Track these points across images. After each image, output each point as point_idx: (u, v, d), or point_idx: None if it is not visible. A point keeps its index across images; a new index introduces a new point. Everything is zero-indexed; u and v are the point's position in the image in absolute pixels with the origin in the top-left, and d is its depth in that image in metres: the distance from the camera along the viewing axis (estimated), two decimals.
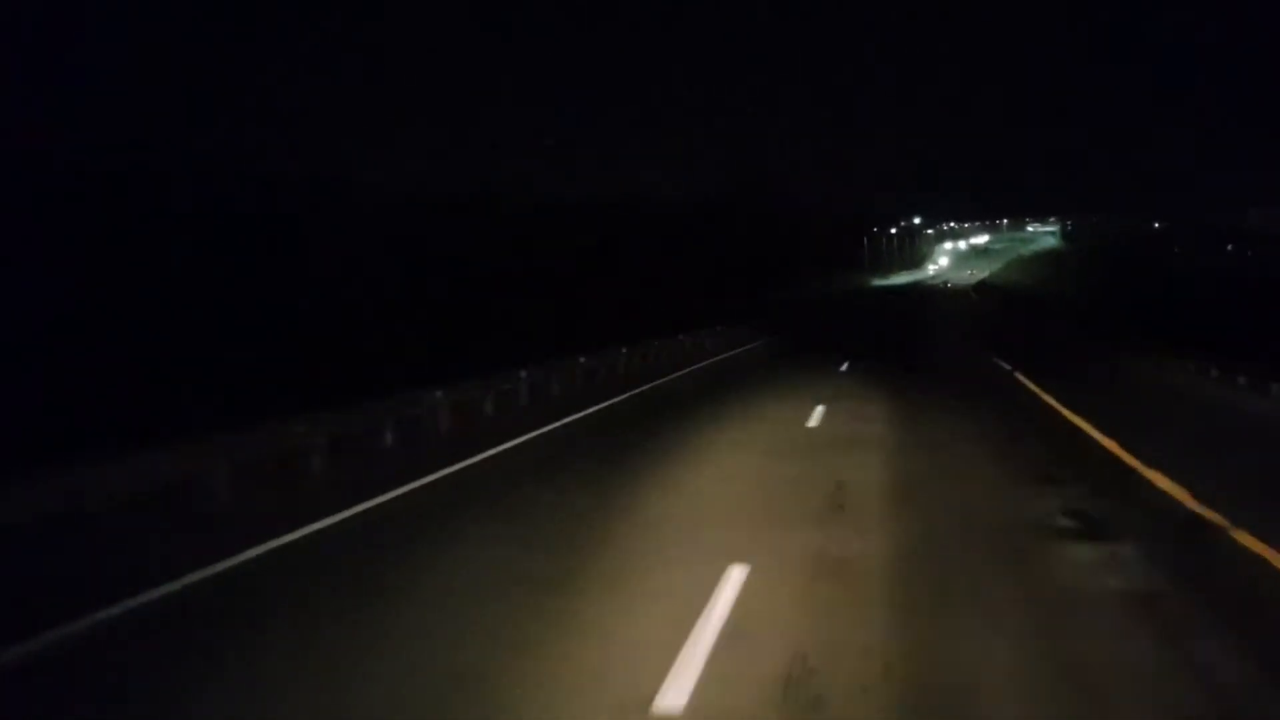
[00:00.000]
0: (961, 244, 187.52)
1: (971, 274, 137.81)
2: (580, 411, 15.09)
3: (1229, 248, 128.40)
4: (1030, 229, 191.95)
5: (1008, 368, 22.81)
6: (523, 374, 15.70)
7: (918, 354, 28.55)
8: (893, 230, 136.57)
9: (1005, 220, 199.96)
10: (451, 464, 10.39)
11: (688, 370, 23.71)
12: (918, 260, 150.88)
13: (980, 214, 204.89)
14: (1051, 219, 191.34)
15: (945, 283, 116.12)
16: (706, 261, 57.89)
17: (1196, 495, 8.24)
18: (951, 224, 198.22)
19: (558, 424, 13.71)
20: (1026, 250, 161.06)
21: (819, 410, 14.63)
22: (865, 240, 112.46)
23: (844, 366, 23.27)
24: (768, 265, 69.16)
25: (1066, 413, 14.33)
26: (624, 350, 21.98)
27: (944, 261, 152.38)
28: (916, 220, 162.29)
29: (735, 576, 6.03)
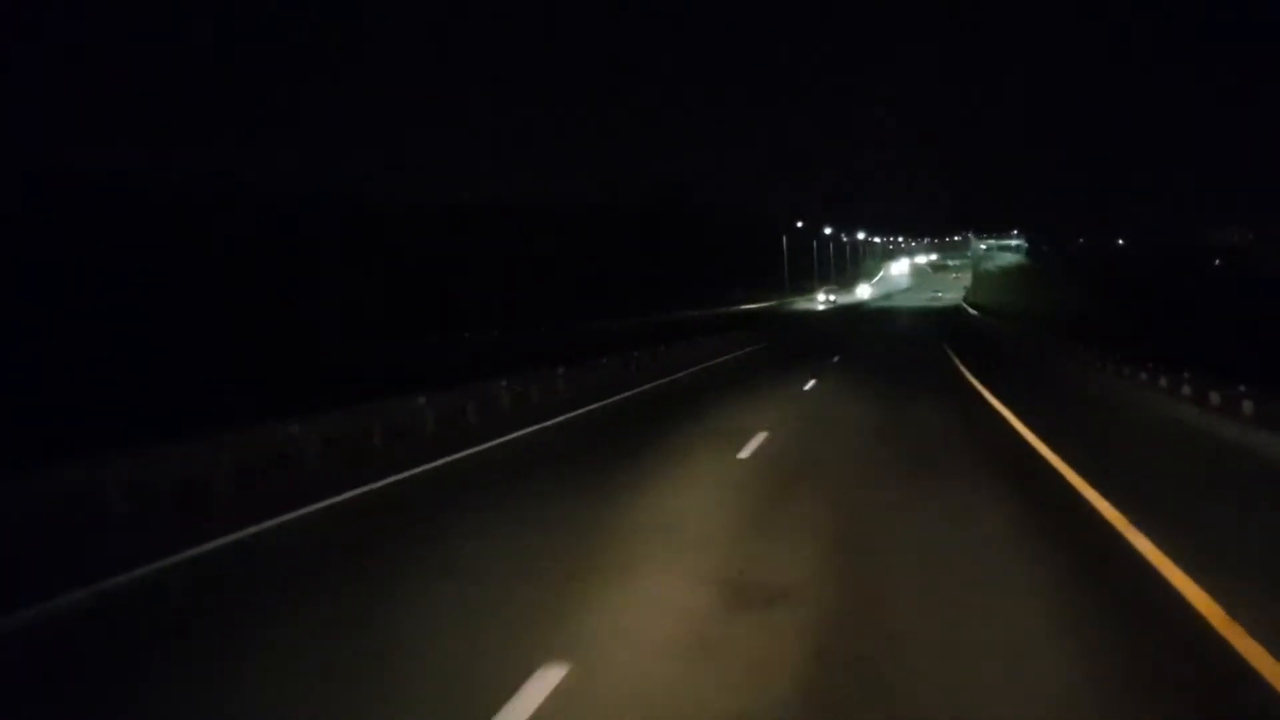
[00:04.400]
0: (907, 262, 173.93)
1: (958, 278, 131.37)
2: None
3: (1216, 262, 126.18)
4: (984, 246, 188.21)
5: None
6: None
7: None
8: (827, 231, 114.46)
9: (958, 236, 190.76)
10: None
11: None
12: (859, 277, 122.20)
13: (930, 229, 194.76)
14: (1014, 233, 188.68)
15: (936, 293, 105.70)
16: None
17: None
18: (900, 239, 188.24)
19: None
20: (993, 267, 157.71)
21: None
22: (783, 240, 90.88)
23: None
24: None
25: None
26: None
27: (864, 293, 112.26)
28: (861, 235, 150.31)
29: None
